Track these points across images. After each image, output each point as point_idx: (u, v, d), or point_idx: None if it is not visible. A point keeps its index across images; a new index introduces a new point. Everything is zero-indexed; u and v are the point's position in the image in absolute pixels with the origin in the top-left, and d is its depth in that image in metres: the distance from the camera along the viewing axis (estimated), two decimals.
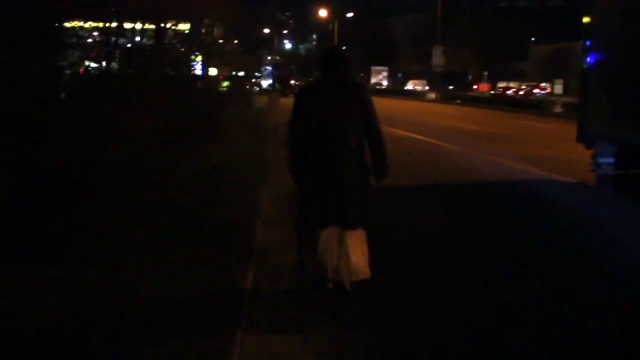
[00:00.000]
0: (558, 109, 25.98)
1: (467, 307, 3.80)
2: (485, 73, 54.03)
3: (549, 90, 47.65)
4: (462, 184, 8.61)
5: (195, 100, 10.94)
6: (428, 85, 51.79)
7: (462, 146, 12.95)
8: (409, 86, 56.11)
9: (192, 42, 17.85)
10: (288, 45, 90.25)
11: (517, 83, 49.95)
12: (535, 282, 4.35)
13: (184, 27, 18.35)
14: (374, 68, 63.69)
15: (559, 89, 48.06)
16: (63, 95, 7.51)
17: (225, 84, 29.77)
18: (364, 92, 3.75)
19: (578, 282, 4.38)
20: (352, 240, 3.68)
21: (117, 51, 10.15)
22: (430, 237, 5.60)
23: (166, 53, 10.51)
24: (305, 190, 3.71)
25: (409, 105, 32.95)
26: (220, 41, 24.47)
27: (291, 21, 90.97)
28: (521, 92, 45.38)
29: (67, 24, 11.94)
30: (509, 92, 46.33)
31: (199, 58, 25.40)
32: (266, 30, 64.89)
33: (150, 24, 12.69)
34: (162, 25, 12.46)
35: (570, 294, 4.10)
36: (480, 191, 8.18)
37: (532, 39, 56.83)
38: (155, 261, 4.28)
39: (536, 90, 46.43)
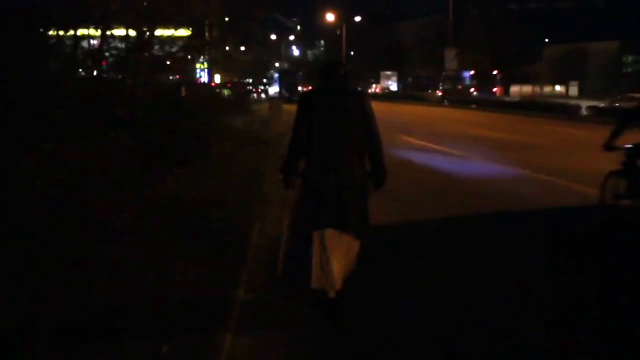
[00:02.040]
0: (584, 112, 24.22)
1: None
2: (497, 75, 51.97)
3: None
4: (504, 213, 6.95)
5: (181, 111, 9.41)
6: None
7: (496, 161, 11.24)
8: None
9: (193, 47, 16.65)
10: (296, 51, 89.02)
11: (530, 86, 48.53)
12: None
13: (184, 32, 17.14)
14: (383, 73, 62.10)
15: (573, 90, 46.20)
16: None
17: (227, 92, 28.47)
18: (365, 99, 3.74)
19: None
20: (346, 246, 3.62)
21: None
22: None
23: (143, 59, 9.08)
24: (303, 195, 3.68)
25: (420, 111, 31.21)
26: (227, 48, 23.23)
27: (298, 27, 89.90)
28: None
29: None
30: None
31: (201, 65, 24.17)
32: (273, 37, 63.84)
33: (134, 29, 11.40)
34: (145, 30, 11.09)
35: None
36: (527, 224, 6.48)
37: (546, 40, 54.69)
38: None
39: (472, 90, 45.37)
